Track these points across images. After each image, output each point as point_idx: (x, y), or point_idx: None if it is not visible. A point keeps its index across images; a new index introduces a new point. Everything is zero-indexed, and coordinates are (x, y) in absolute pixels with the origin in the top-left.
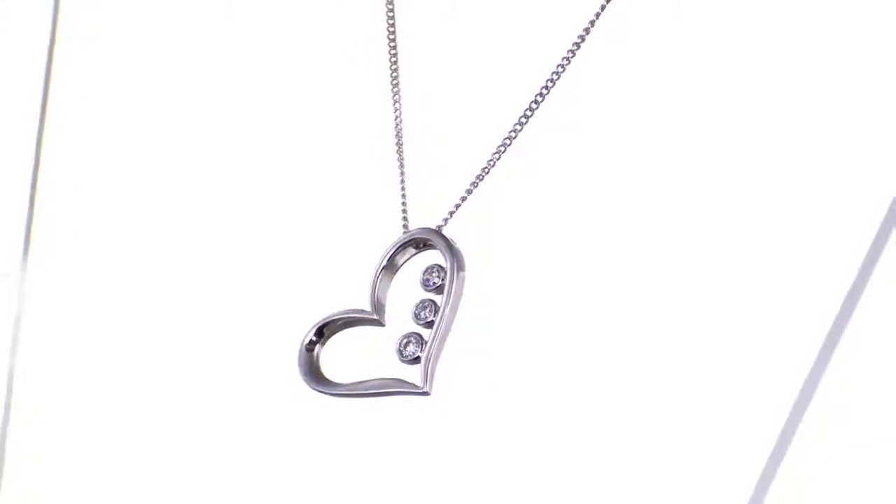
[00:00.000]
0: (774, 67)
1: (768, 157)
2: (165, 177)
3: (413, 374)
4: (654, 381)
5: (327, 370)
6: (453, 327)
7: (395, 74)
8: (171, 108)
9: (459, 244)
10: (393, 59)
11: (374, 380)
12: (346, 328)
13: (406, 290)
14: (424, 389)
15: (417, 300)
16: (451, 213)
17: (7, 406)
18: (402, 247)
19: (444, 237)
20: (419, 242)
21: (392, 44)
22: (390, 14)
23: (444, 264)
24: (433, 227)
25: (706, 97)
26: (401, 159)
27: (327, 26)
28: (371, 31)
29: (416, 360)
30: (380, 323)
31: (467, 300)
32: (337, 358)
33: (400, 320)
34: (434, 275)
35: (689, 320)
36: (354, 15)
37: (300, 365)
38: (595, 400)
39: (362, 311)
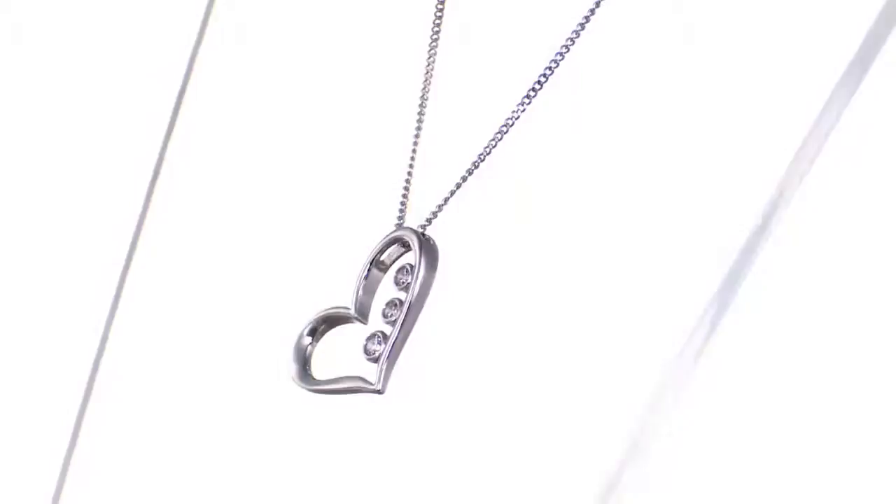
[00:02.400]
0: (768, 66)
1: (755, 161)
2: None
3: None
4: (620, 389)
5: (316, 367)
6: (426, 328)
7: (427, 77)
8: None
9: (445, 244)
10: (430, 61)
11: (341, 377)
12: (332, 327)
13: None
14: (377, 388)
15: (388, 298)
16: (435, 213)
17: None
18: (386, 245)
19: (419, 236)
20: (404, 241)
21: (433, 45)
22: (438, 16)
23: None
24: (414, 225)
25: (695, 103)
26: (413, 157)
27: (353, 28)
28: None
29: (379, 358)
30: (361, 321)
31: (447, 300)
32: (326, 355)
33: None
34: (406, 273)
35: (663, 332)
36: (383, 19)
37: (295, 360)
38: (556, 407)
39: (347, 310)
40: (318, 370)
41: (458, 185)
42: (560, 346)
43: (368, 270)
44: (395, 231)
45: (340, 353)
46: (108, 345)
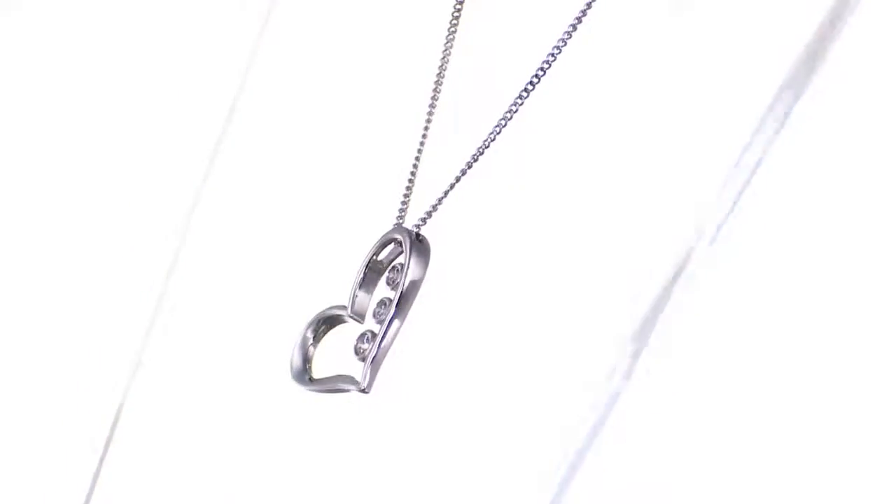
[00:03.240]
0: (766, 68)
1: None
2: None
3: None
4: (608, 387)
5: (316, 367)
6: (421, 326)
7: (439, 79)
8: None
9: (441, 243)
10: (444, 63)
11: (331, 377)
12: (332, 327)
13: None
14: (362, 387)
15: (380, 297)
16: (429, 213)
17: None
18: (382, 245)
19: (410, 235)
20: (398, 240)
21: (448, 47)
22: (455, 17)
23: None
24: (409, 225)
25: (686, 104)
26: (417, 158)
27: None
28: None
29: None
30: (358, 321)
31: (443, 298)
32: (325, 355)
33: None
34: (397, 273)
35: (661, 337)
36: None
37: (296, 361)
38: (548, 405)
39: (344, 309)
40: (318, 370)
41: (452, 185)
42: (554, 347)
43: (365, 270)
44: (389, 231)
45: (339, 353)
46: (142, 348)
